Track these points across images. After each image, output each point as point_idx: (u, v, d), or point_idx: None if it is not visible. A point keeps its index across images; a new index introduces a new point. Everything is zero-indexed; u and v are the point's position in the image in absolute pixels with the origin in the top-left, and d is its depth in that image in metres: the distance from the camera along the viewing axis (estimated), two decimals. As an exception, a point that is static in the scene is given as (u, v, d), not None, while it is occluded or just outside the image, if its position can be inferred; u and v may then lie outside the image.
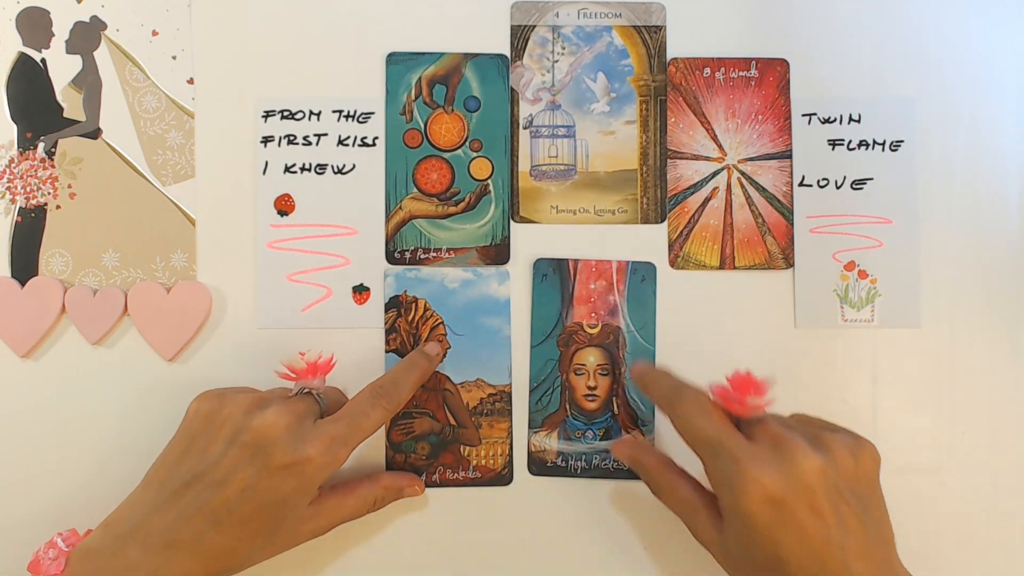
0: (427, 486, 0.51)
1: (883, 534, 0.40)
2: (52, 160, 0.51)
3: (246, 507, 0.41)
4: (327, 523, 0.45)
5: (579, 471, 0.51)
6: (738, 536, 0.40)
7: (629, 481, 0.51)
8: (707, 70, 0.53)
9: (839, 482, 0.39)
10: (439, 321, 0.51)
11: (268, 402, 0.44)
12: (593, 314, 0.52)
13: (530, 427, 0.51)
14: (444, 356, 0.51)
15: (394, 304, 0.51)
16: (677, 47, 0.53)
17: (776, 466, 0.38)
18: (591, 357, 0.51)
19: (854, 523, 0.39)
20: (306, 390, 0.46)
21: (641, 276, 0.52)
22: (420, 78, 0.52)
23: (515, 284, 0.52)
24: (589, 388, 0.51)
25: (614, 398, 0.51)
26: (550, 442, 0.51)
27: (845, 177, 0.53)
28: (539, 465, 0.51)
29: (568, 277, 0.52)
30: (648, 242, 0.52)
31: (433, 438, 0.51)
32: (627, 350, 0.51)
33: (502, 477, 0.51)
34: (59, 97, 0.51)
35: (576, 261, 0.52)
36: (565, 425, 0.51)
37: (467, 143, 0.52)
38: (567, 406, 0.51)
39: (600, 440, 0.51)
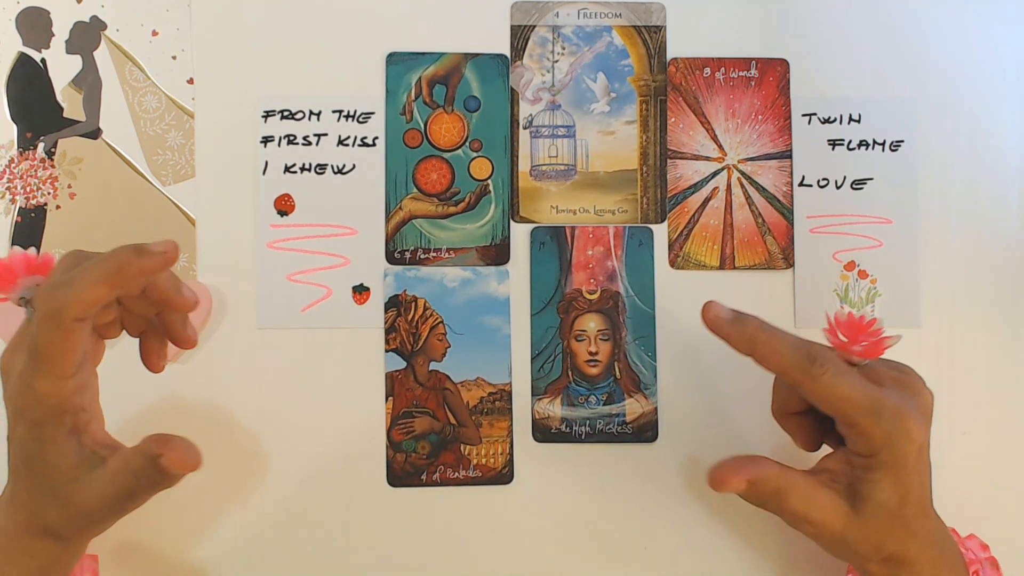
0: (427, 485, 0.51)
1: None
2: (52, 160, 0.51)
3: (17, 460, 0.40)
4: (98, 496, 0.39)
5: (584, 436, 0.51)
6: (889, 490, 0.40)
7: (633, 445, 0.51)
8: (707, 70, 0.53)
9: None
10: (439, 320, 0.51)
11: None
12: (592, 280, 0.52)
13: (533, 394, 0.51)
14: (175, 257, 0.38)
15: (394, 303, 0.51)
16: (677, 47, 0.53)
17: (917, 413, 0.40)
18: (591, 323, 0.52)
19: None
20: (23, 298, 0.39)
21: (639, 240, 0.52)
22: (420, 78, 0.52)
23: (515, 283, 0.52)
24: (590, 354, 0.52)
25: (616, 363, 0.52)
26: (554, 409, 0.51)
27: (845, 177, 0.53)
28: (543, 432, 0.51)
29: (566, 244, 0.52)
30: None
31: (433, 437, 0.51)
32: (627, 314, 0.52)
33: (502, 476, 0.51)
34: (59, 97, 0.51)
35: (573, 228, 0.52)
36: (568, 391, 0.51)
37: (467, 143, 0.52)
38: (569, 372, 0.51)
39: (603, 405, 0.51)
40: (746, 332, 0.42)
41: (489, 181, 0.52)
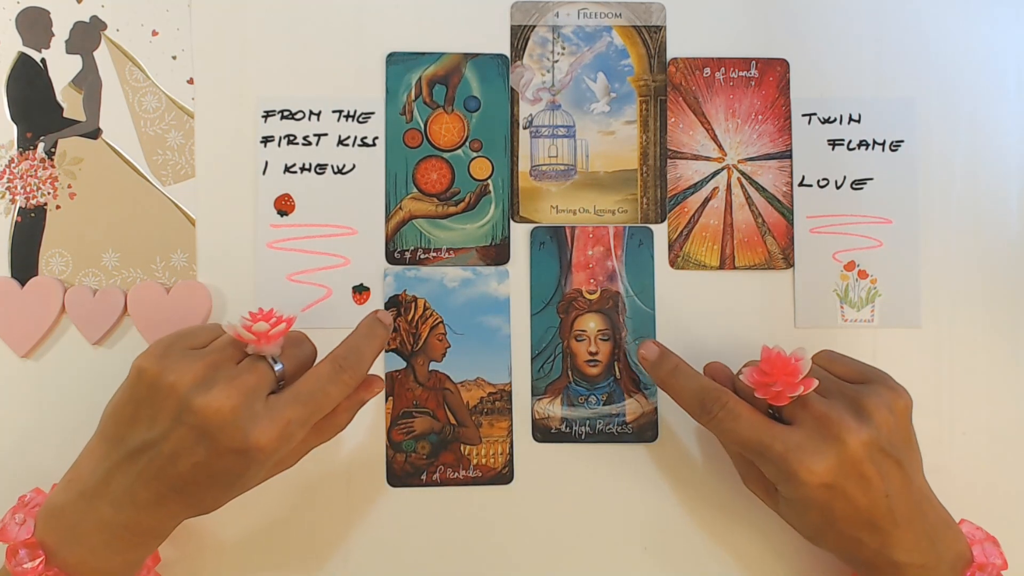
0: (427, 486, 0.51)
1: (915, 463, 0.43)
2: (52, 160, 0.51)
3: (201, 478, 0.40)
4: (293, 462, 0.45)
5: (583, 436, 0.51)
6: (793, 512, 0.43)
7: (633, 445, 0.51)
8: (707, 70, 0.53)
9: (882, 442, 0.41)
10: (439, 320, 0.51)
11: (214, 377, 0.40)
12: (592, 280, 0.52)
13: (533, 394, 0.51)
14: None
15: (394, 303, 0.51)
16: (677, 47, 0.53)
17: (825, 452, 0.40)
18: (591, 323, 0.52)
19: (895, 471, 0.41)
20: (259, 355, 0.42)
21: (639, 240, 0.52)
22: (420, 78, 0.52)
23: (515, 283, 0.52)
24: (590, 354, 0.52)
25: (616, 363, 0.52)
26: (553, 409, 0.51)
27: (845, 177, 0.53)
28: (543, 432, 0.51)
29: (566, 244, 0.52)
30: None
31: (433, 437, 0.51)
32: (627, 315, 0.52)
33: (502, 476, 0.51)
34: (59, 97, 0.51)
35: (573, 228, 0.52)
36: (568, 391, 0.51)
37: (467, 143, 0.52)
38: (569, 372, 0.51)
39: (603, 405, 0.51)
40: (659, 375, 0.46)
41: (489, 181, 0.52)
